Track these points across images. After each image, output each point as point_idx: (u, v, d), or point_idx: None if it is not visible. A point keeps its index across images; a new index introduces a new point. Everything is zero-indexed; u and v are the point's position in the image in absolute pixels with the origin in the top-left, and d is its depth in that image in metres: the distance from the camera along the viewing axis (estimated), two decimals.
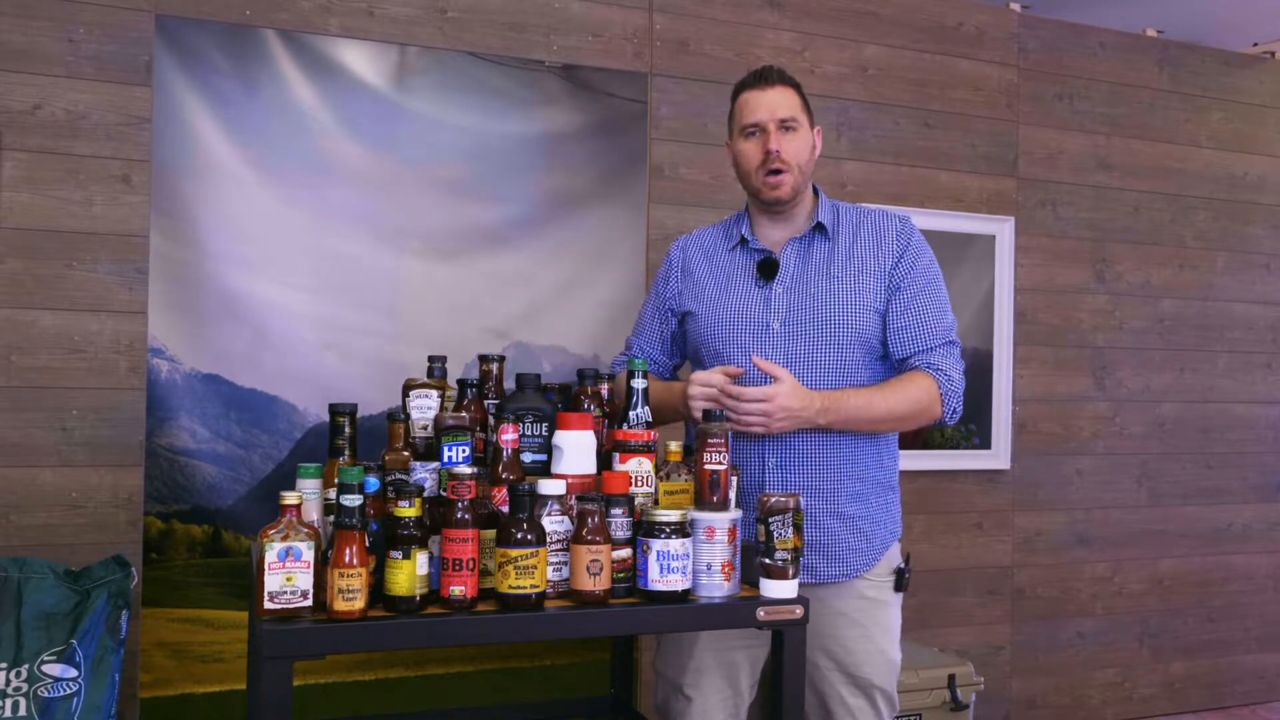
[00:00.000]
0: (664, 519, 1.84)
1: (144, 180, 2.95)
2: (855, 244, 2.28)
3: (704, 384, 2.14)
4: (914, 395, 2.20)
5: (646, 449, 1.99)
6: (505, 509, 1.84)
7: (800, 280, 2.26)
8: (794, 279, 2.27)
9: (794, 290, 2.26)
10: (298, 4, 3.11)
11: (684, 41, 3.56)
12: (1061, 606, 4.11)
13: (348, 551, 1.68)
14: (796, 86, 2.29)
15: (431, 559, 1.77)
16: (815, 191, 2.35)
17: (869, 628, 2.26)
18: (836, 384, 2.22)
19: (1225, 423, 4.39)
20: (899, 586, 2.30)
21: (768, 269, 2.27)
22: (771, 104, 2.23)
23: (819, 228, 2.29)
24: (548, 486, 1.87)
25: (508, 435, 1.91)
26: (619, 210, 3.45)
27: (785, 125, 2.23)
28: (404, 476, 1.86)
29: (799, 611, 1.89)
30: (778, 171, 2.22)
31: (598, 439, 2.03)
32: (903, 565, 2.32)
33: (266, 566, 1.66)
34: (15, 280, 2.86)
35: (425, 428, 2.01)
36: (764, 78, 2.26)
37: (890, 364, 2.31)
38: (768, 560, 1.90)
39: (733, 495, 1.99)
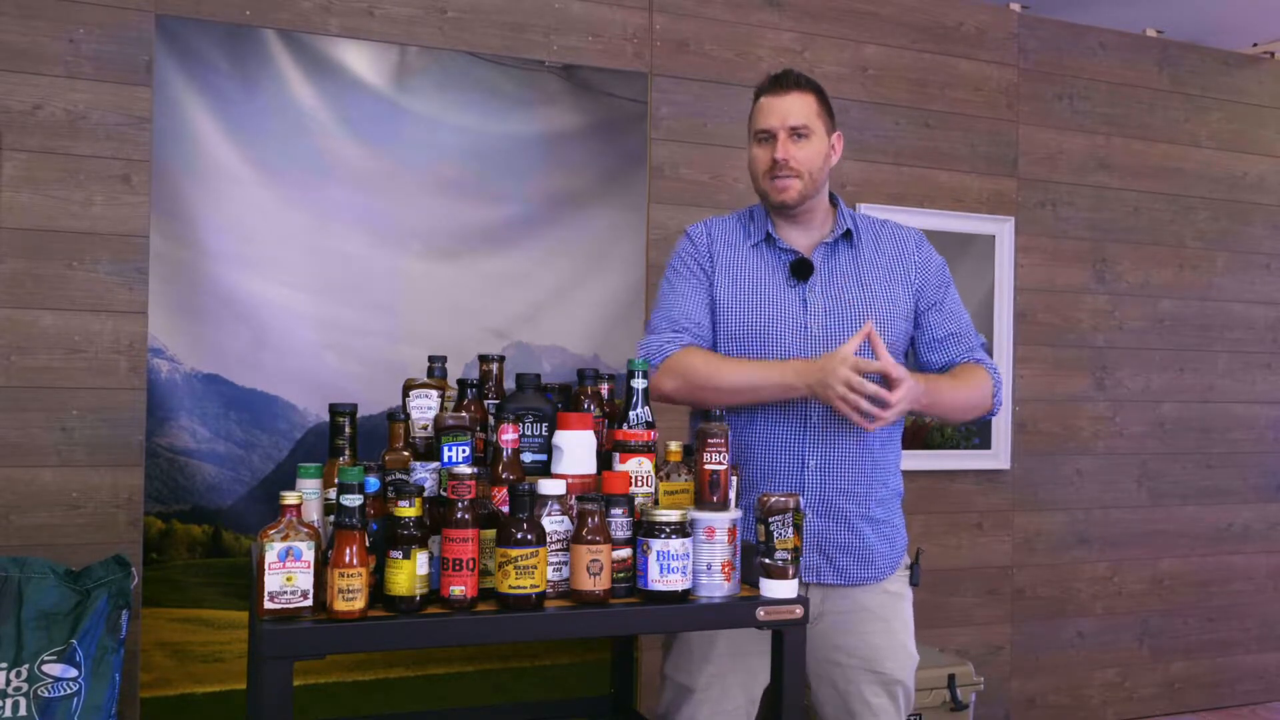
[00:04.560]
0: (664, 519, 1.84)
1: (144, 180, 2.95)
2: (879, 254, 2.32)
3: (856, 385, 2.06)
4: (981, 386, 2.29)
5: (646, 449, 1.99)
6: (505, 509, 1.84)
7: (831, 285, 2.27)
8: (825, 282, 2.28)
9: (828, 294, 2.26)
10: (298, 4, 3.11)
11: (684, 41, 3.55)
12: (1061, 606, 4.11)
13: (348, 551, 1.67)
14: (817, 91, 2.28)
15: (431, 559, 1.77)
16: (834, 200, 2.35)
17: (892, 622, 2.28)
18: None
19: (1225, 423, 4.39)
20: (913, 580, 2.35)
21: (802, 270, 2.26)
22: (784, 111, 2.23)
23: (847, 234, 2.31)
24: (548, 486, 1.87)
25: (508, 435, 1.91)
26: (619, 210, 3.45)
27: (795, 133, 2.22)
28: (404, 476, 1.86)
29: (799, 611, 1.89)
30: (785, 176, 2.22)
31: (598, 439, 2.03)
32: (914, 561, 2.36)
33: (266, 566, 1.66)
34: (15, 280, 2.86)
35: (425, 428, 2.01)
36: (780, 83, 2.26)
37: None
38: (768, 560, 1.90)
39: (733, 495, 1.99)
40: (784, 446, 2.23)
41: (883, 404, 2.06)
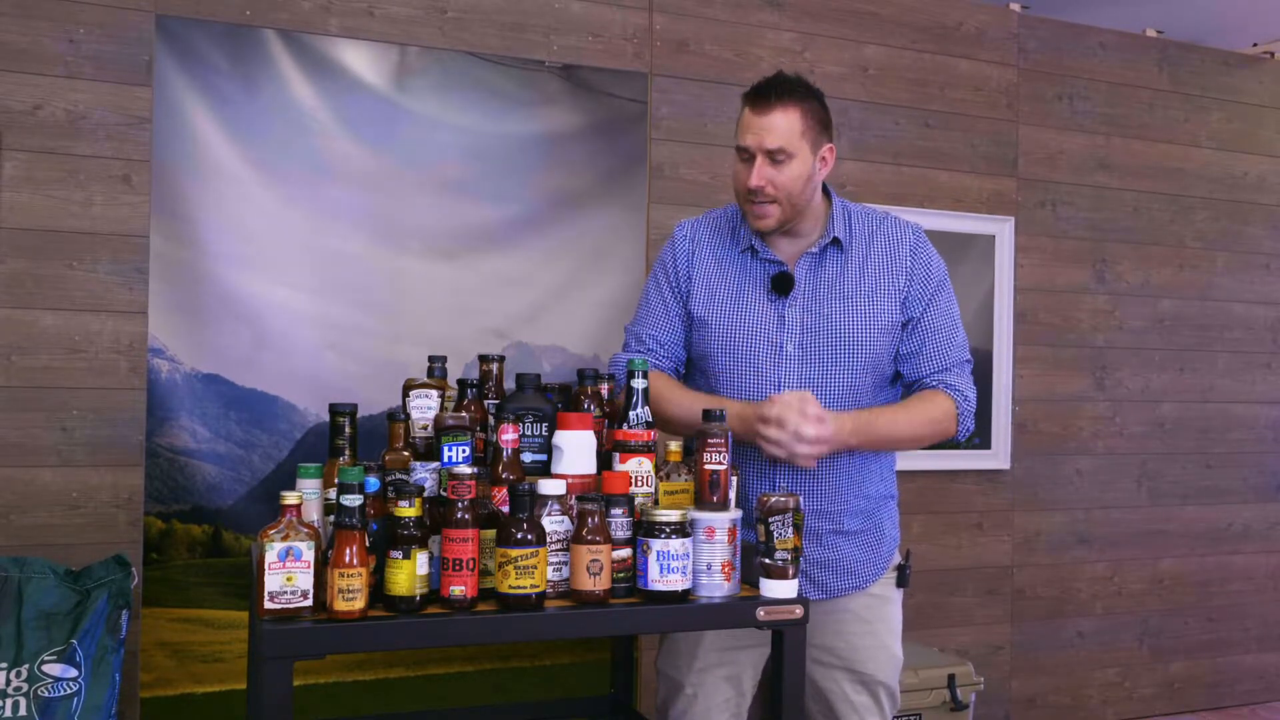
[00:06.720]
0: (664, 519, 1.84)
1: (144, 180, 2.95)
2: (869, 259, 2.23)
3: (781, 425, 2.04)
4: (934, 416, 2.19)
5: (646, 449, 1.99)
6: (505, 509, 1.84)
7: (813, 298, 2.21)
8: (807, 296, 2.21)
9: (808, 310, 2.20)
10: (298, 4, 3.11)
11: (684, 41, 3.56)
12: (1061, 606, 4.11)
13: (348, 551, 1.67)
14: (805, 101, 2.14)
15: (431, 559, 1.77)
16: (828, 196, 2.28)
17: (874, 624, 2.26)
18: (845, 409, 2.19)
19: (1225, 423, 4.39)
20: (901, 582, 2.31)
21: (783, 285, 2.20)
22: (762, 131, 2.11)
23: (834, 242, 2.23)
24: (548, 486, 1.86)
25: (508, 435, 1.91)
26: (619, 210, 3.45)
27: (773, 157, 2.11)
28: (404, 476, 1.86)
29: (799, 611, 1.89)
30: (762, 203, 2.15)
31: (598, 439, 2.02)
32: (903, 562, 2.33)
33: (266, 566, 1.66)
34: (15, 280, 2.86)
35: (425, 428, 2.01)
36: (763, 97, 2.13)
37: (895, 386, 2.30)
38: (768, 560, 1.90)
39: (733, 495, 1.99)
40: (754, 466, 2.20)
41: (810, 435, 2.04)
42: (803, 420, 2.02)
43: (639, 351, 2.30)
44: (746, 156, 2.16)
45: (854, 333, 2.19)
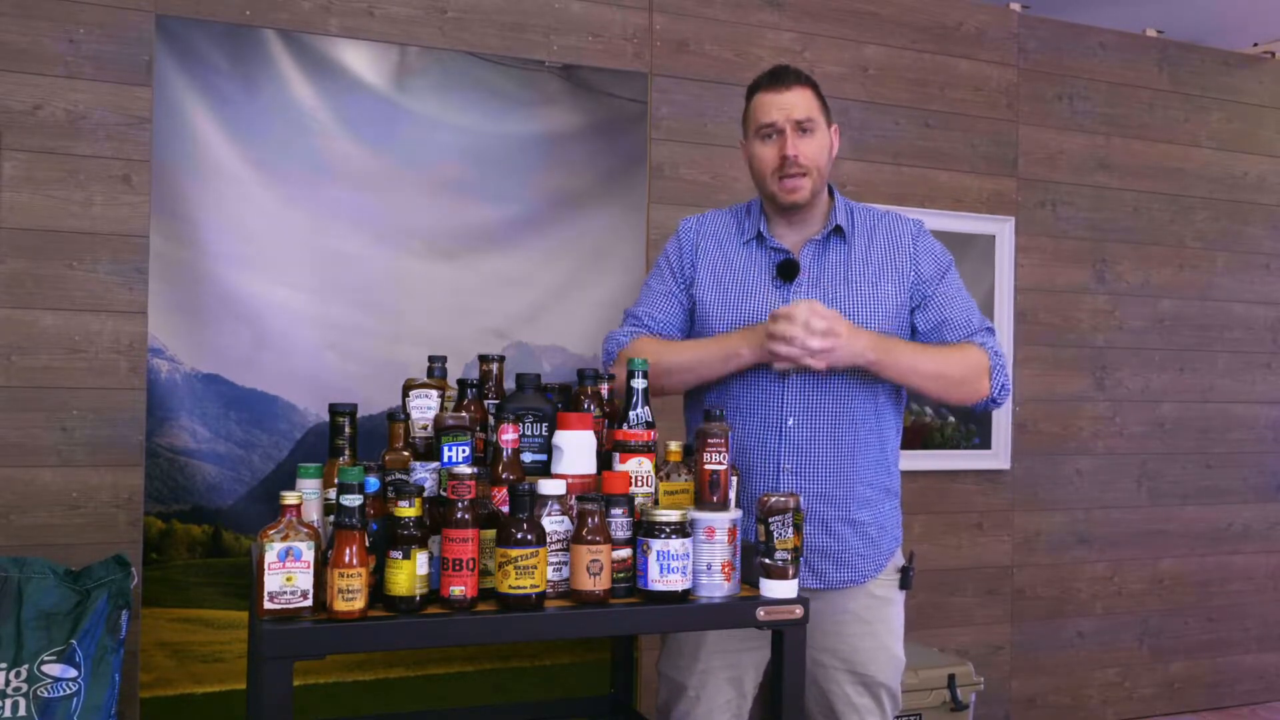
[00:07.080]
0: (664, 519, 1.84)
1: (144, 180, 2.95)
2: (871, 248, 2.26)
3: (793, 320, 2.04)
4: (964, 360, 2.20)
5: (646, 449, 1.99)
6: (505, 509, 1.84)
7: (818, 285, 2.24)
8: (812, 283, 2.24)
9: (813, 295, 2.22)
10: (298, 4, 3.11)
11: (684, 41, 3.56)
12: (1061, 606, 4.11)
13: (348, 551, 1.67)
14: (813, 86, 2.24)
15: (431, 559, 1.77)
16: (830, 191, 2.32)
17: (875, 625, 2.26)
18: (853, 392, 2.20)
19: (1225, 423, 4.39)
20: (904, 584, 2.31)
21: (788, 271, 2.23)
22: (788, 105, 2.19)
23: (836, 230, 2.26)
24: (548, 486, 1.86)
25: (508, 435, 1.91)
26: (619, 210, 3.45)
27: (802, 127, 2.19)
28: (404, 476, 1.86)
29: (799, 611, 1.89)
30: (796, 175, 2.19)
31: (598, 439, 2.03)
32: (907, 564, 2.33)
33: (266, 566, 1.66)
34: (15, 280, 2.86)
35: (425, 428, 2.01)
36: (780, 78, 2.22)
37: None
38: (768, 560, 1.90)
39: (733, 495, 1.99)
40: (760, 452, 2.21)
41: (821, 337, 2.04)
42: (812, 314, 2.04)
43: (634, 328, 2.33)
44: (771, 134, 2.21)
45: (858, 316, 2.21)
